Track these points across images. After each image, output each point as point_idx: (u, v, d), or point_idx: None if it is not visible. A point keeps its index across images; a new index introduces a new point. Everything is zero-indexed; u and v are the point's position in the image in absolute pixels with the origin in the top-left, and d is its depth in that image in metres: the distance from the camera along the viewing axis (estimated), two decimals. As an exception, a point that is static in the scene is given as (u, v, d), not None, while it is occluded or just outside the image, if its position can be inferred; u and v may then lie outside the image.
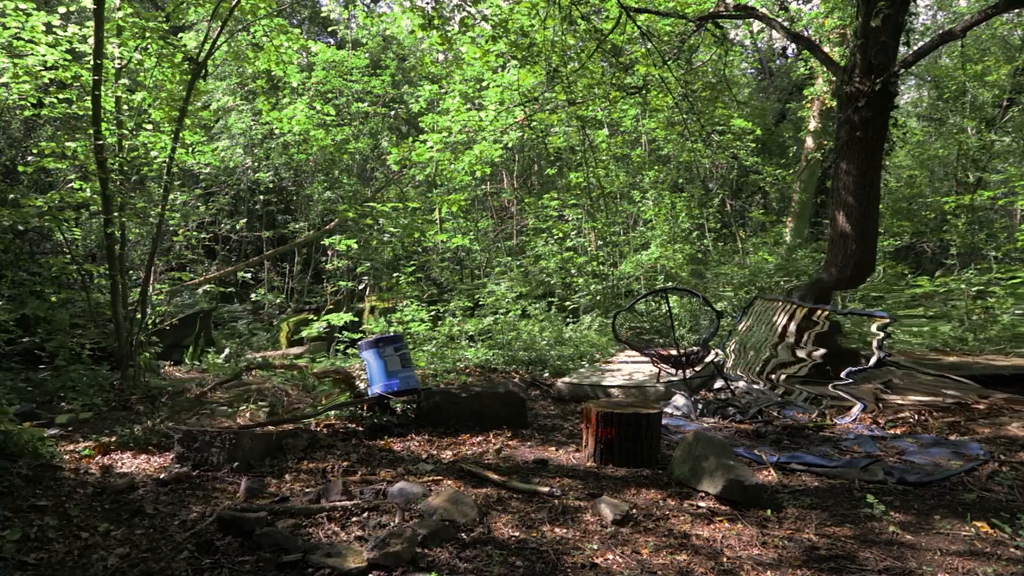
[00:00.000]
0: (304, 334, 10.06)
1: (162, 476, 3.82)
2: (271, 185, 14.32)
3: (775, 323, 6.97)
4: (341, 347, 9.23)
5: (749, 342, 7.23)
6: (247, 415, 5.14)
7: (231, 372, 6.67)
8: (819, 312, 6.49)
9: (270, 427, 4.59)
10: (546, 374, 7.63)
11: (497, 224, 15.40)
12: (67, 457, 4.09)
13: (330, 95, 13.29)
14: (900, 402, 5.67)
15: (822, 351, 6.15)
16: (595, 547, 2.99)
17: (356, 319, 10.19)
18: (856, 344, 7.94)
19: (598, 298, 11.30)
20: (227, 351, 8.76)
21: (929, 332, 9.01)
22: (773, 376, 6.46)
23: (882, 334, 5.76)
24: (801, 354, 6.31)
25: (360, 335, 9.06)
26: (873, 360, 5.66)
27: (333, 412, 5.16)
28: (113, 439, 4.39)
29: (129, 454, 4.25)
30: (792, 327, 6.64)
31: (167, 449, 4.29)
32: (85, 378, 5.85)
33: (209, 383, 6.31)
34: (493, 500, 3.58)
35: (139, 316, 6.46)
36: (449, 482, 3.86)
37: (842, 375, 5.76)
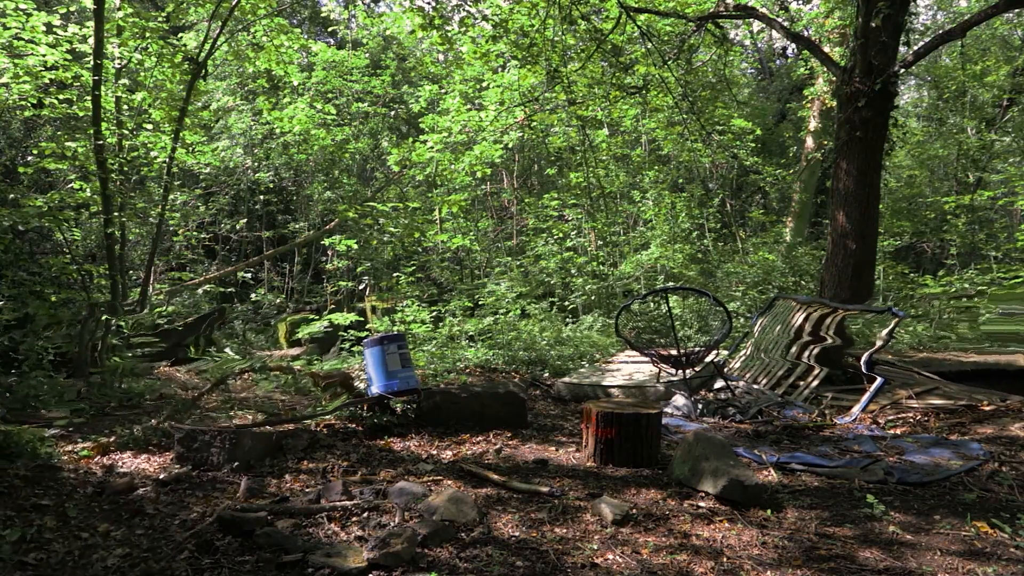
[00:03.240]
0: (301, 335, 10.04)
1: (162, 476, 3.81)
2: (271, 185, 14.33)
3: (791, 324, 6.81)
4: (347, 345, 9.26)
5: (762, 344, 7.14)
6: (247, 419, 5.14)
7: (218, 376, 6.47)
8: (838, 311, 6.35)
9: (267, 427, 4.58)
10: (546, 374, 7.63)
11: (497, 224, 15.40)
12: (66, 457, 4.08)
13: (330, 95, 13.29)
14: (916, 405, 5.66)
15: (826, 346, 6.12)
16: (595, 547, 2.99)
17: (360, 319, 10.21)
18: (863, 344, 7.93)
19: (593, 298, 11.30)
20: (226, 351, 8.78)
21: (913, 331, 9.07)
22: (802, 382, 6.25)
23: (884, 334, 5.76)
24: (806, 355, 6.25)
25: (365, 333, 9.11)
26: (865, 358, 5.66)
27: (333, 412, 5.15)
28: (112, 439, 4.37)
29: (129, 454, 4.24)
30: (808, 327, 6.52)
31: (166, 449, 4.29)
32: (46, 385, 5.45)
33: (200, 387, 6.21)
34: (493, 500, 3.57)
35: (105, 318, 6.19)
36: (449, 482, 3.86)
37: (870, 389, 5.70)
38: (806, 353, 6.32)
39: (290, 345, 10.69)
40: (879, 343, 5.79)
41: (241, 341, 10.86)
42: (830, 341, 6.24)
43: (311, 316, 10.86)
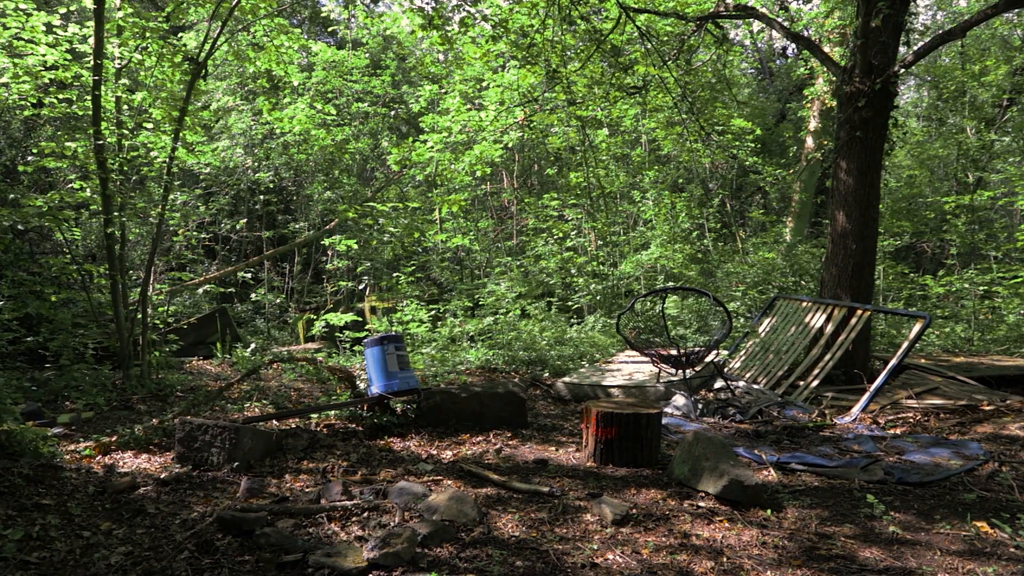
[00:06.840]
0: (315, 331, 10.29)
1: (163, 476, 3.81)
2: (271, 185, 14.32)
3: (808, 324, 6.78)
4: (347, 344, 9.36)
5: (772, 344, 7.11)
6: (258, 411, 5.21)
7: (251, 366, 6.87)
8: (859, 312, 6.31)
9: (269, 425, 4.59)
10: (546, 374, 7.63)
11: (497, 224, 15.40)
12: (68, 457, 4.09)
13: (330, 95, 13.29)
14: (915, 405, 5.66)
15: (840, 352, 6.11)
16: (595, 547, 2.99)
17: (359, 319, 10.30)
18: (882, 345, 7.89)
19: (598, 298, 11.30)
20: (252, 346, 9.09)
21: (945, 333, 9.03)
22: (801, 382, 6.26)
23: (912, 336, 5.75)
24: (833, 356, 6.21)
25: (365, 333, 9.17)
26: (891, 366, 5.65)
27: (333, 412, 5.16)
28: (114, 439, 4.38)
29: (130, 453, 4.25)
30: (829, 328, 6.47)
31: (167, 449, 4.30)
32: (88, 377, 5.92)
33: (231, 378, 6.49)
34: (493, 500, 3.58)
35: (139, 316, 6.48)
36: (449, 482, 3.86)
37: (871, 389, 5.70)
38: (827, 355, 6.27)
39: (306, 340, 11.08)
40: (904, 347, 5.76)
41: (266, 337, 11.29)
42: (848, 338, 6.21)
43: (312, 316, 11.10)
